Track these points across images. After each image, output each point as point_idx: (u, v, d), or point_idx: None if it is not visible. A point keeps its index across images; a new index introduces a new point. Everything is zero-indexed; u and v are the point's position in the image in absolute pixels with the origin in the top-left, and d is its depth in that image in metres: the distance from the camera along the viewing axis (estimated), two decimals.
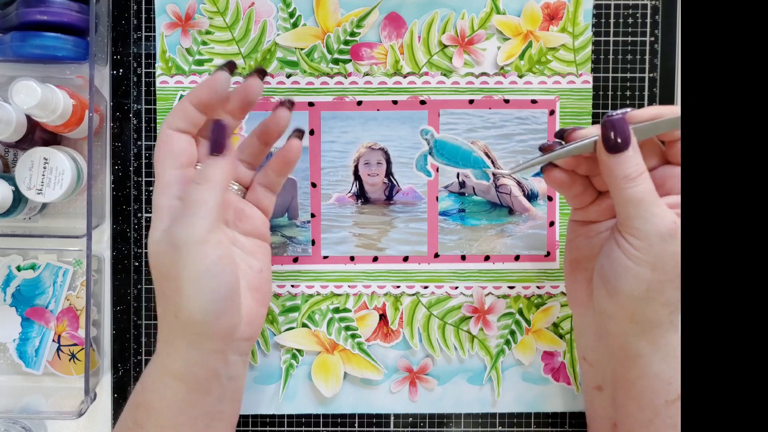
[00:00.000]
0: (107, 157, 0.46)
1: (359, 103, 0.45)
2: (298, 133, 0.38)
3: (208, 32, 0.45)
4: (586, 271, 0.38)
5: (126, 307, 0.46)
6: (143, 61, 0.45)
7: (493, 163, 0.46)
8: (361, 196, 0.46)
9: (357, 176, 0.46)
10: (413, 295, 0.46)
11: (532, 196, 0.46)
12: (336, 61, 0.45)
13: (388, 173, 0.46)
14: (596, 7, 0.45)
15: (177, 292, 0.32)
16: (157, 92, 0.45)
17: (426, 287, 0.46)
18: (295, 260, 0.46)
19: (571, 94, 0.45)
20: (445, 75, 0.45)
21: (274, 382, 0.46)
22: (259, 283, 0.37)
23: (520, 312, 0.46)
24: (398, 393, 0.46)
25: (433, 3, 0.45)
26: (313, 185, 0.46)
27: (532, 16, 0.45)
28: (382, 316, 0.46)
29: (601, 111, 0.46)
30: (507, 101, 0.45)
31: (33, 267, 0.46)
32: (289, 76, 0.45)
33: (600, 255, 0.36)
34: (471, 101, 0.45)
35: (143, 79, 0.45)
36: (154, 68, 0.45)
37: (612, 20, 0.46)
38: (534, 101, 0.45)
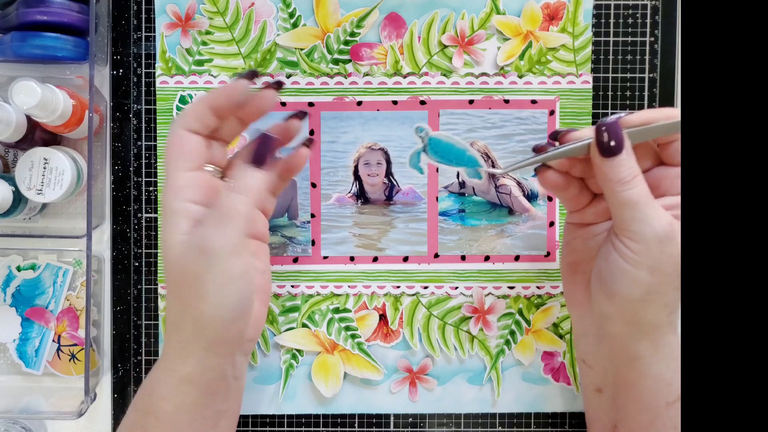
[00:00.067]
0: (107, 158, 0.46)
1: (359, 103, 0.45)
2: (308, 142, 0.39)
3: (208, 32, 0.45)
4: (584, 274, 0.38)
5: (126, 308, 0.46)
6: (143, 61, 0.45)
7: (493, 163, 0.46)
8: (361, 196, 0.46)
9: (357, 176, 0.46)
10: (413, 295, 0.46)
11: (532, 197, 0.46)
12: (336, 62, 0.45)
13: (388, 173, 0.46)
14: (596, 7, 0.45)
15: (200, 298, 0.32)
16: (157, 92, 0.45)
17: (426, 287, 0.46)
18: (295, 260, 0.46)
19: (571, 95, 0.45)
20: (445, 75, 0.45)
21: (274, 382, 0.46)
22: (262, 284, 0.38)
23: (520, 312, 0.46)
24: (398, 393, 0.46)
25: (433, 3, 0.45)
26: (313, 185, 0.46)
27: (532, 17, 0.45)
28: (382, 317, 0.46)
29: (600, 111, 0.46)
30: (507, 101, 0.45)
31: (33, 267, 0.46)
32: (289, 76, 0.45)
33: (597, 258, 0.36)
34: (471, 101, 0.45)
35: (143, 80, 0.45)
36: (154, 68, 0.45)
37: (612, 20, 0.46)
38: (534, 101, 0.45)
